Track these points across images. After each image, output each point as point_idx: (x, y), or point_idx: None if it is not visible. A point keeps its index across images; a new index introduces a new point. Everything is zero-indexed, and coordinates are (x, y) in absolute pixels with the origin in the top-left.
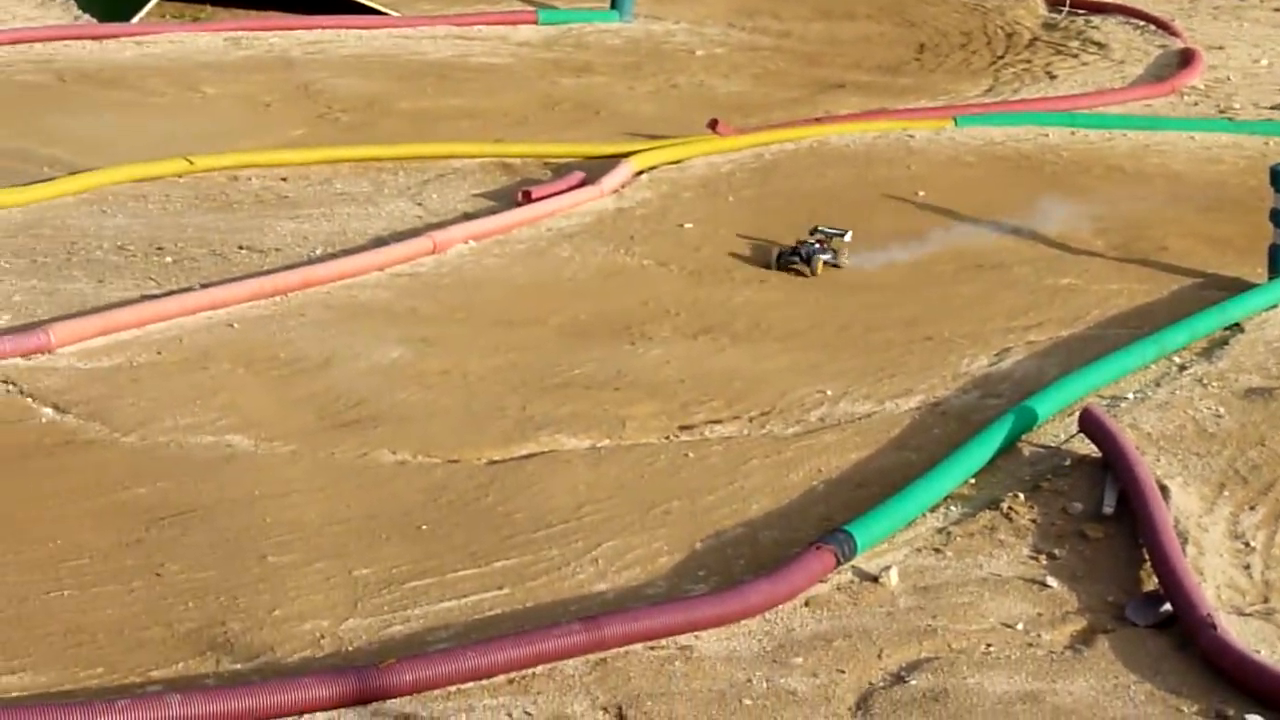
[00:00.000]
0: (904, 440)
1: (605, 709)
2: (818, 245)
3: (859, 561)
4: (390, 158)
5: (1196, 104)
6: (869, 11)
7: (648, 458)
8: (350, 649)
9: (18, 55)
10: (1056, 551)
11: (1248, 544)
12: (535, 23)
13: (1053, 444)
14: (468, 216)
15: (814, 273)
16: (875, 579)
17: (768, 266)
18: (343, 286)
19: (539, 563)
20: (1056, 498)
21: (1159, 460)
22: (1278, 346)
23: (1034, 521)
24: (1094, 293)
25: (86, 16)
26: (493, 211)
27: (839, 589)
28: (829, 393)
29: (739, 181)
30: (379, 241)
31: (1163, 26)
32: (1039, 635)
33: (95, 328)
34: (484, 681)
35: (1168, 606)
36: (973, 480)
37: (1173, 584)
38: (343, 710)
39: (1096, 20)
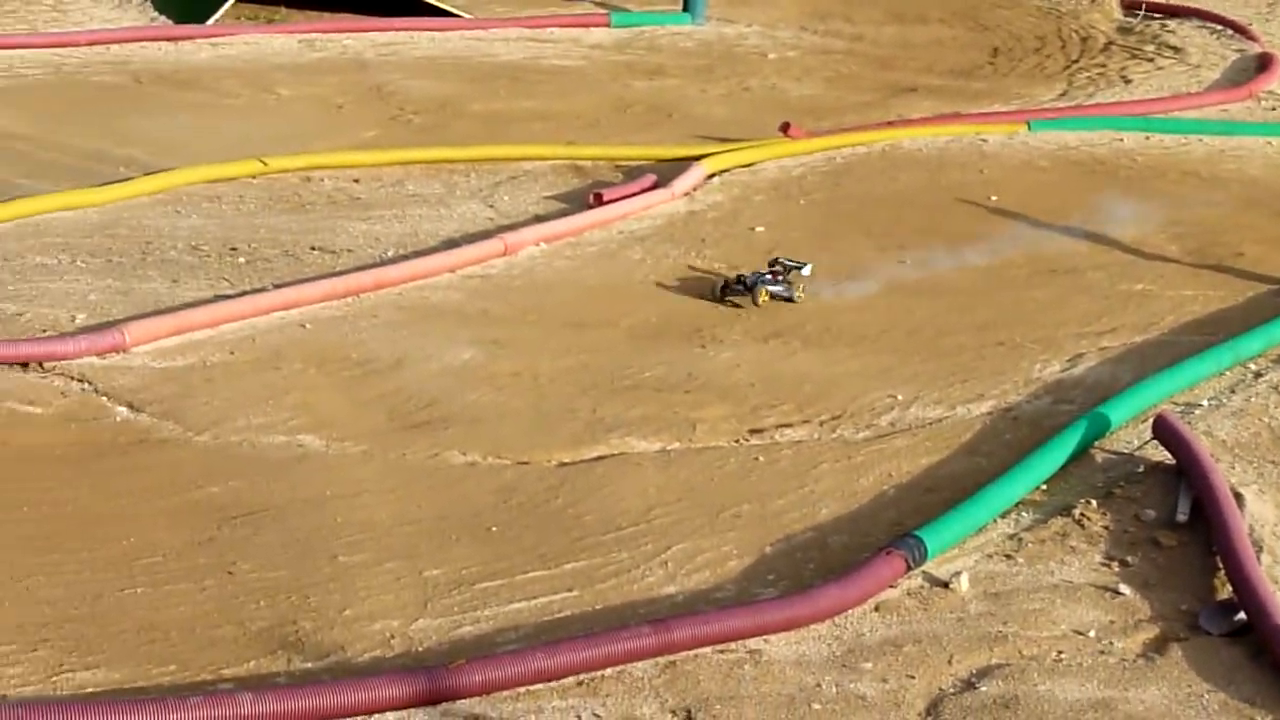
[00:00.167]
0: (975, 445)
1: (674, 712)
2: (768, 275)
3: (929, 567)
4: (462, 160)
5: (1274, 109)
6: (942, 15)
7: (718, 461)
8: (420, 649)
9: (95, 56)
10: (1129, 559)
11: None
12: (608, 25)
13: (1126, 450)
14: (539, 219)
15: (756, 303)
16: (946, 584)
17: (711, 298)
18: (414, 288)
19: (608, 565)
20: (1129, 505)
21: (1234, 467)
22: None
23: (1106, 528)
24: (1168, 298)
25: (162, 18)
26: (564, 214)
27: (909, 594)
28: (900, 397)
29: (810, 185)
30: (450, 243)
31: (1240, 30)
32: (1111, 643)
33: (169, 327)
34: (553, 683)
35: (1242, 615)
36: (1044, 486)
37: (1247, 592)
38: (412, 710)
39: (1172, 24)
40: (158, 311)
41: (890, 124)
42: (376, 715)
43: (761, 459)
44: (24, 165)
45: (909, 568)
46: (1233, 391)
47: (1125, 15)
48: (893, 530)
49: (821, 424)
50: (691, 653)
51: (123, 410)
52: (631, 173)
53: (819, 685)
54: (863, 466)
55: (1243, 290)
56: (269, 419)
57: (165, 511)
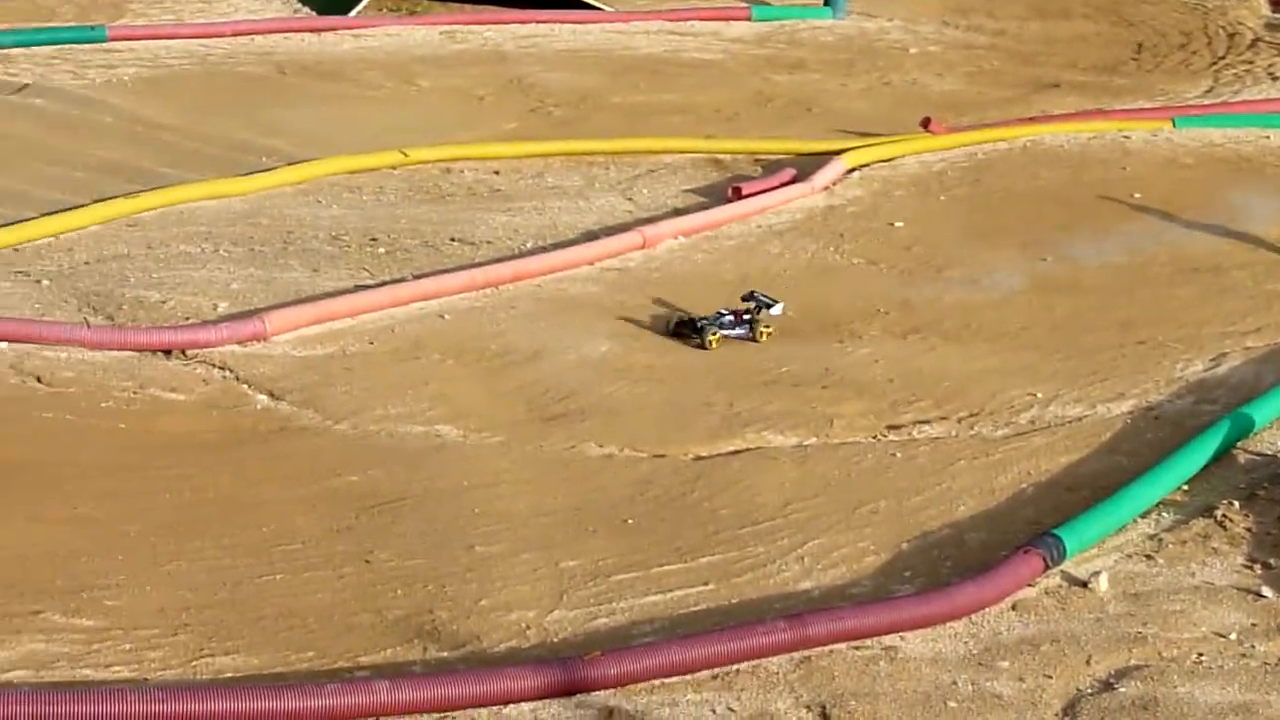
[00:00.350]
0: (1116, 444)
1: (809, 707)
2: (728, 316)
3: (1068, 566)
4: (602, 152)
5: None
6: (1086, 11)
7: (855, 456)
8: (555, 640)
9: (239, 48)
10: (1272, 561)
11: None
12: (749, 19)
13: (1269, 452)
14: (678, 212)
15: (705, 346)
16: (1084, 584)
17: (663, 332)
18: (553, 280)
19: (744, 559)
20: (1273, 506)
21: None
22: None
23: (1249, 530)
24: None
25: (306, 10)
26: (703, 207)
27: (1047, 593)
28: (1040, 395)
29: (951, 180)
30: (589, 235)
31: None
32: (1253, 646)
33: (310, 316)
34: (688, 676)
35: None
36: (1186, 487)
37: None
38: (547, 701)
39: None
40: (298, 300)
41: (1032, 120)
42: (511, 706)
43: (899, 455)
44: (169, 155)
45: (1047, 567)
46: None
47: (1274, 12)
48: (1031, 529)
49: (960, 421)
50: (827, 648)
51: (263, 398)
52: (771, 167)
53: (955, 683)
54: (1001, 464)
55: None
56: (407, 409)
57: (304, 499)
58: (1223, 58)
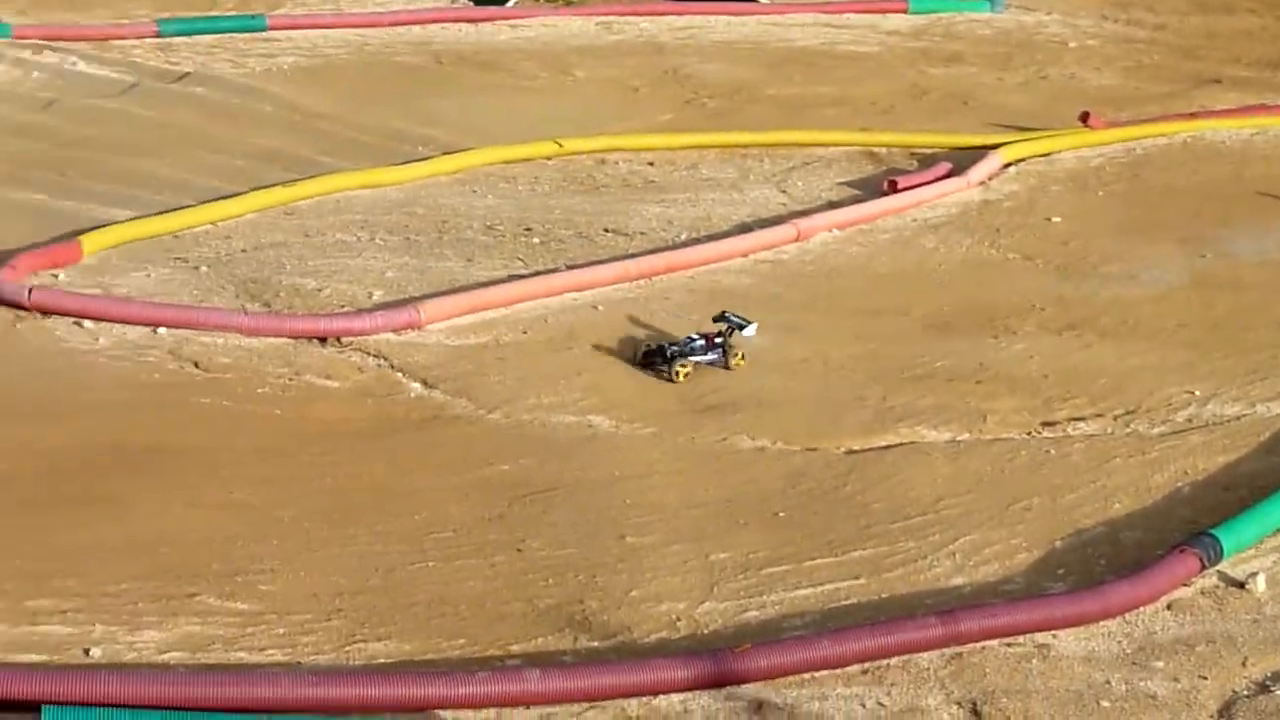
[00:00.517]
0: (1275, 444)
1: (960, 704)
2: (699, 342)
3: (1225, 566)
4: (756, 144)
5: None
6: (1250, 5)
7: (1008, 453)
8: (705, 632)
9: (396, 37)
10: None
11: None
12: (905, 11)
13: None
14: (832, 205)
15: (673, 379)
16: (1241, 585)
17: (632, 362)
18: (706, 271)
19: (896, 554)
20: None
21: None
22: None
23: None
24: None
25: (463, 0)
26: (857, 200)
27: (1203, 593)
28: (1197, 393)
29: (1109, 176)
30: (743, 228)
31: None
32: None
33: (464, 306)
34: (838, 670)
35: None
36: None
37: None
38: (697, 693)
39: None
40: (452, 290)
41: (1193, 115)
42: (661, 696)
43: (1053, 452)
44: (326, 143)
45: (1203, 567)
46: None
47: None
48: (1187, 528)
49: (1116, 418)
50: (978, 645)
51: (417, 386)
52: (926, 160)
53: (1108, 682)
54: (1157, 462)
55: None
56: (560, 399)
57: (457, 487)
58: None
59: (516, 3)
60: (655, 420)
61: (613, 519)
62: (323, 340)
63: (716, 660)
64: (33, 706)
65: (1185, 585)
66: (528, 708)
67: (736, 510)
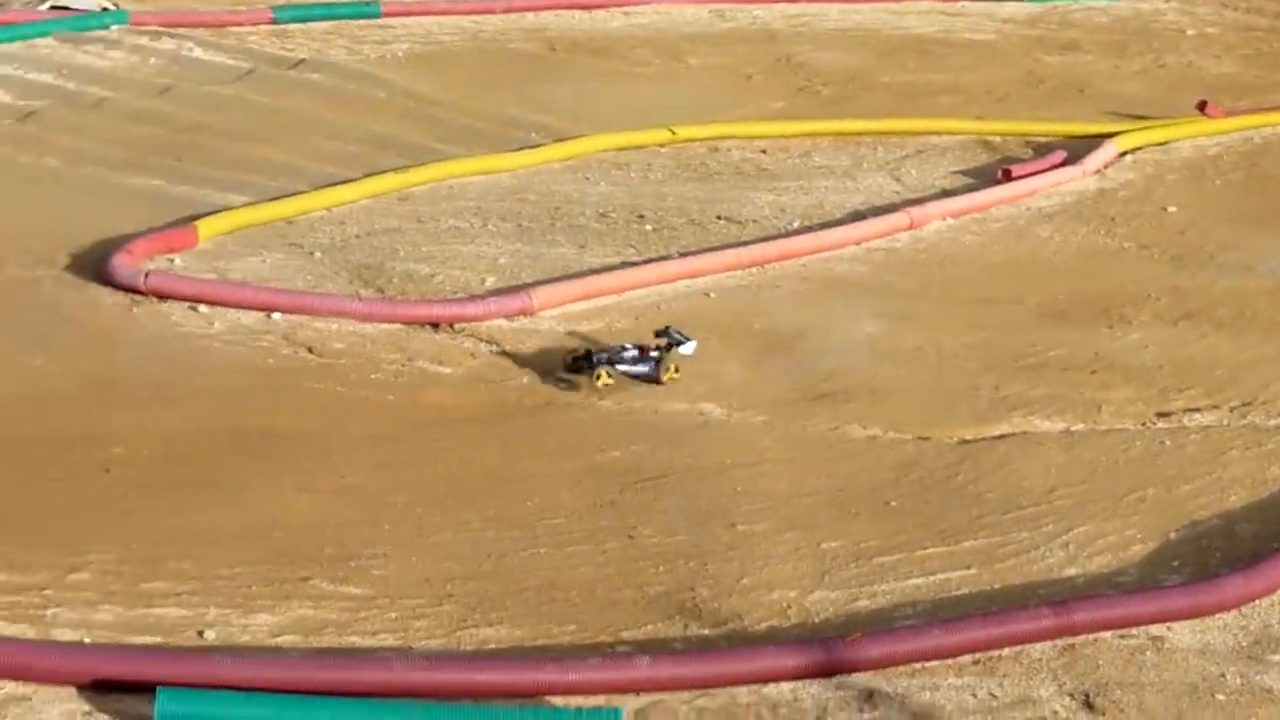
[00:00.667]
0: None
1: (1072, 695)
2: (634, 351)
3: None
4: (870, 132)
5: None
6: None
7: (1123, 444)
8: (816, 621)
9: (511, 24)
10: None
11: None
12: None
13: None
14: (946, 193)
15: (594, 386)
16: None
17: (561, 368)
18: (819, 259)
19: (1008, 544)
20: None
21: None
22: None
23: None
24: None
25: None
26: (971, 189)
27: None
28: None
29: (1226, 165)
30: (856, 215)
31: None
32: None
33: (576, 292)
34: (949, 660)
35: None
36: None
37: None
38: (807, 681)
39: None
40: (565, 276)
41: None
42: (771, 685)
43: (1168, 443)
44: (440, 130)
45: None
46: None
47: None
48: None
49: (1232, 410)
50: (1091, 636)
51: (529, 373)
52: (1041, 149)
53: (1223, 675)
54: (1274, 454)
55: None
56: (671, 386)
57: (569, 474)
58: None
59: None
60: (767, 408)
61: (724, 506)
62: (436, 326)
63: (827, 649)
64: (148, 688)
65: None
66: (638, 694)
67: (848, 499)
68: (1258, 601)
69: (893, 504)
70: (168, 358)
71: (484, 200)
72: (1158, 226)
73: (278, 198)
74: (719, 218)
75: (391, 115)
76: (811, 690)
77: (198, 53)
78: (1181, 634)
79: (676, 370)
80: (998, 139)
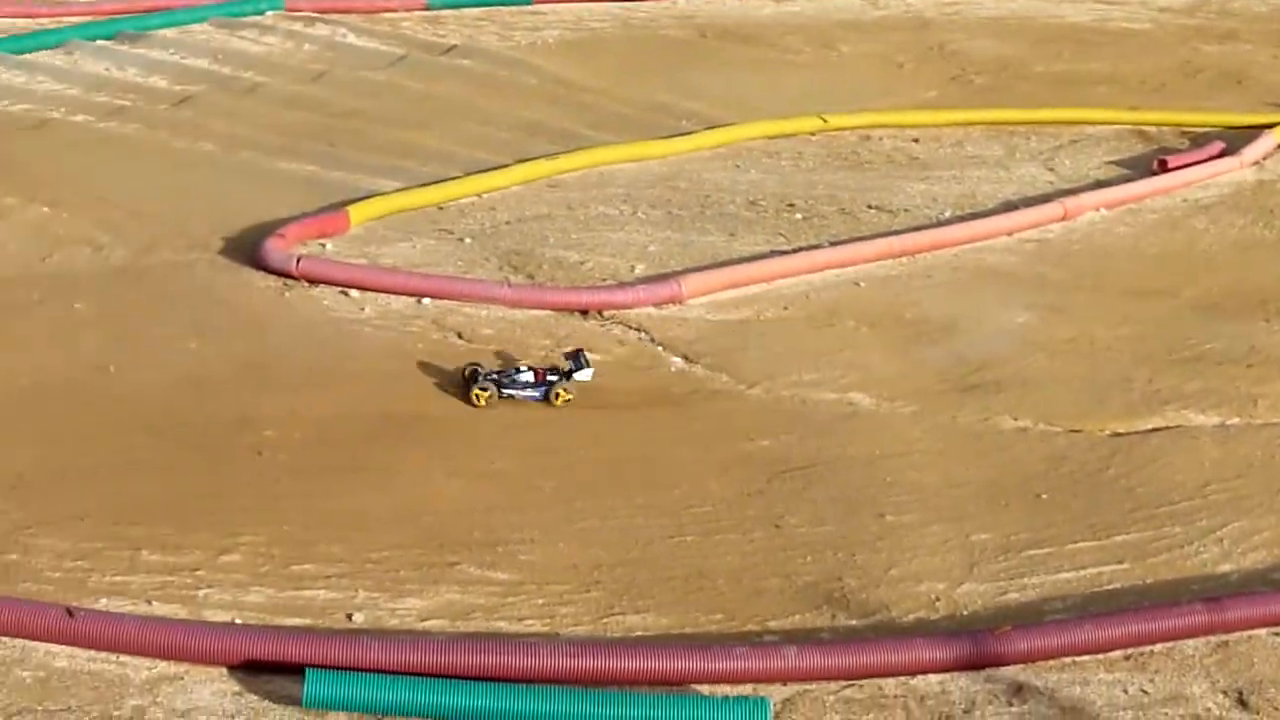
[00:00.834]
0: None
1: (1225, 692)
2: (529, 374)
3: None
4: (1023, 122)
5: None
6: None
7: (1279, 439)
8: (964, 613)
9: (661, 11)
10: None
11: None
12: None
13: None
14: (1100, 184)
15: (473, 403)
16: None
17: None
18: (970, 249)
19: (1160, 539)
20: None
21: None
22: None
23: None
24: None
25: None
26: (1126, 180)
27: None
28: None
29: None
30: (1009, 206)
31: None
32: None
33: (725, 280)
34: (1100, 655)
35: None
36: None
37: None
38: (955, 674)
39: None
40: (714, 265)
41: None
42: (919, 677)
43: None
44: (590, 116)
45: None
46: None
47: None
48: None
49: None
50: (1245, 634)
51: (677, 361)
52: (1198, 139)
53: None
54: None
55: None
56: (820, 375)
57: (717, 462)
58: None
59: None
60: (917, 399)
61: (872, 497)
62: (584, 313)
63: (976, 641)
64: (297, 669)
65: None
66: (784, 684)
67: (997, 491)
68: None
69: (1043, 497)
70: (319, 342)
71: (634, 187)
72: None
73: (429, 183)
74: (870, 207)
75: (542, 101)
76: (959, 682)
77: (351, 39)
78: None
79: (569, 395)
80: (1153, 129)
